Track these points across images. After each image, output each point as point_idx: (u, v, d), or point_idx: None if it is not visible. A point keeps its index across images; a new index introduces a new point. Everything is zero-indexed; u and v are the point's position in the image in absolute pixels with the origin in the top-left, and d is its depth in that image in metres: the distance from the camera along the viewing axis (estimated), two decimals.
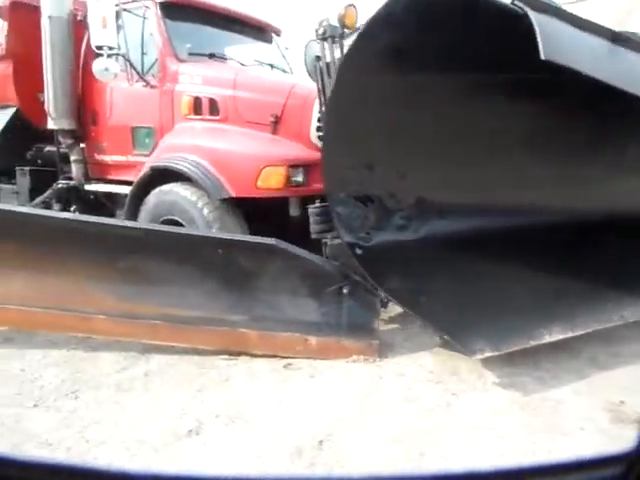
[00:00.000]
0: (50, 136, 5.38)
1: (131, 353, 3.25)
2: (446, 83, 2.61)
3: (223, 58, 4.63)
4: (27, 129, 5.45)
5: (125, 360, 3.17)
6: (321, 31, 3.25)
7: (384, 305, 3.20)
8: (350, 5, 3.16)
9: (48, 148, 5.37)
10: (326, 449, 2.19)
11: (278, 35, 5.57)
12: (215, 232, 3.47)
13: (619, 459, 1.01)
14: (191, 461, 2.15)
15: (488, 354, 2.51)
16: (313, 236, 3.40)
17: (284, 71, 5.34)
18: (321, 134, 3.74)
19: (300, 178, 3.71)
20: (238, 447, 2.24)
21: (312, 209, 3.37)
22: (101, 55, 4.19)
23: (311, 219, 3.39)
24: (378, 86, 2.56)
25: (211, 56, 4.52)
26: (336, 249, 3.13)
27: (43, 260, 3.29)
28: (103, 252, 3.23)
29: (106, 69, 3.95)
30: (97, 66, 3.97)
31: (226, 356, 3.17)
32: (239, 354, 3.18)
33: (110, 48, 3.94)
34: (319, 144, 3.77)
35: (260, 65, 5.04)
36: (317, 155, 3.76)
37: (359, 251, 2.82)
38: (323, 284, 3.06)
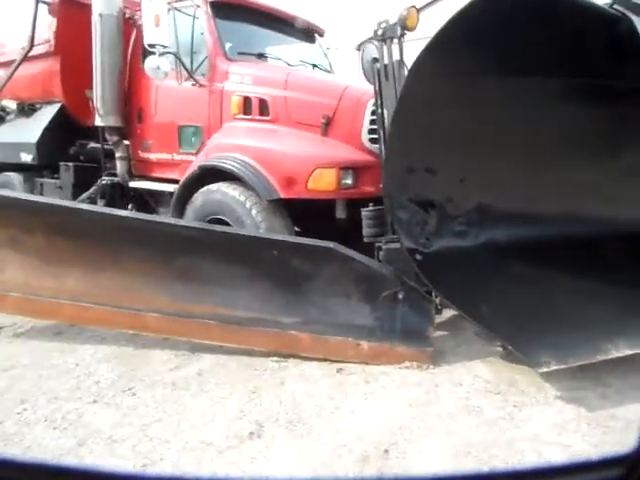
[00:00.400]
0: (93, 132, 5.45)
1: (181, 352, 3.27)
2: (512, 87, 2.56)
3: (271, 58, 4.62)
4: (71, 125, 5.54)
5: (176, 358, 3.19)
6: (380, 32, 3.22)
7: (438, 312, 3.15)
8: (412, 7, 3.12)
9: (91, 144, 5.44)
10: (393, 458, 2.16)
11: (321, 35, 5.55)
12: (272, 234, 3.45)
13: (620, 461, 1.00)
14: (255, 465, 2.14)
15: (554, 367, 2.45)
16: (366, 239, 3.37)
17: (327, 72, 5.32)
18: (373, 137, 3.73)
19: (350, 181, 3.69)
20: (302, 452, 2.22)
21: (365, 212, 3.35)
22: (153, 53, 4.25)
23: (364, 222, 3.36)
24: (445, 89, 2.52)
25: (259, 56, 4.52)
26: (391, 253, 3.10)
27: (98, 257, 3.34)
28: (159, 250, 3.26)
29: (158, 67, 3.97)
30: (149, 64, 3.99)
31: (276, 358, 3.16)
32: (289, 356, 3.17)
33: (163, 47, 3.96)
34: (370, 147, 3.75)
35: (304, 65, 5.03)
36: (367, 158, 3.76)
37: (419, 257, 2.78)
38: (378, 289, 3.03)
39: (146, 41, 3.96)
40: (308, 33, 5.32)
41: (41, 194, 5.60)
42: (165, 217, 3.90)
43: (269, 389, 2.79)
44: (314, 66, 5.18)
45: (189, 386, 2.83)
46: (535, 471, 1.19)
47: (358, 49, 3.97)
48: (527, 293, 2.69)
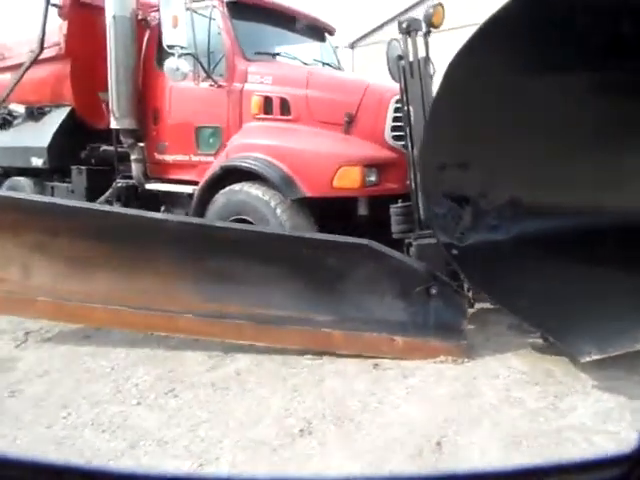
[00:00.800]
0: (104, 135, 5.44)
1: (214, 352, 3.28)
2: (547, 82, 2.59)
3: (287, 57, 4.63)
4: (81, 128, 5.52)
5: (211, 359, 3.20)
6: (405, 25, 3.24)
7: (471, 305, 3.19)
8: (438, 4, 3.15)
9: (104, 147, 5.42)
10: (446, 450, 2.19)
11: (332, 34, 5.56)
12: (306, 232, 3.46)
13: (620, 460, 1.01)
14: (312, 462, 2.17)
15: (596, 357, 2.50)
16: (395, 236, 3.41)
17: (338, 70, 5.34)
18: (396, 134, 3.76)
19: (374, 178, 3.72)
20: (355, 448, 2.25)
21: (394, 209, 3.38)
22: (168, 55, 4.24)
23: (393, 219, 3.40)
24: (481, 85, 2.55)
25: (275, 55, 4.53)
26: (423, 249, 3.14)
27: (129, 259, 3.33)
28: (191, 252, 3.26)
29: (177, 69, 3.97)
30: (169, 66, 3.99)
31: (310, 356, 3.19)
32: (322, 354, 3.20)
33: (181, 48, 3.96)
34: (394, 144, 3.78)
35: (317, 64, 5.04)
36: (391, 155, 3.80)
37: (455, 252, 2.82)
38: (411, 284, 3.06)
39: (165, 42, 3.96)
40: (319, 32, 5.34)
41: None
42: (197, 218, 3.89)
43: (309, 387, 2.82)
44: (326, 64, 5.20)
45: (230, 386, 2.84)
46: (535, 470, 1.21)
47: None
48: (563, 284, 2.73)
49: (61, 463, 2.00)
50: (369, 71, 6.35)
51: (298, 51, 4.94)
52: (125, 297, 3.31)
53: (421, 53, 3.32)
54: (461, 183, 2.88)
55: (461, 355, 3.07)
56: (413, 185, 3.32)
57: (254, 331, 3.23)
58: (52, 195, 5.64)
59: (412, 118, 3.29)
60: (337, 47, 5.71)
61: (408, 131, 3.35)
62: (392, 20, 17.79)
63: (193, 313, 3.26)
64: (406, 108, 3.34)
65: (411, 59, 3.26)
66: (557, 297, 2.71)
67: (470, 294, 3.09)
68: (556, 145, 2.74)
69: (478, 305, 3.59)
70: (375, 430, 2.37)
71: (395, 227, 3.37)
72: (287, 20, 4.81)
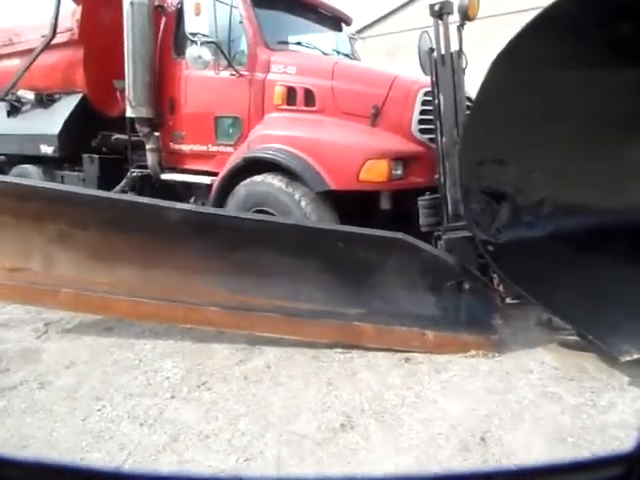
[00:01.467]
0: (116, 124, 5.35)
1: (241, 345, 3.26)
2: (589, 80, 2.57)
3: (308, 47, 4.57)
4: (93, 116, 5.42)
5: (239, 352, 3.18)
6: (437, 7, 3.19)
7: (502, 300, 3.18)
8: None
9: (116, 136, 5.33)
10: (492, 445, 2.19)
11: (348, 24, 5.50)
12: (337, 225, 3.43)
13: (620, 460, 1.03)
14: (357, 456, 2.16)
15: (637, 356, 2.51)
16: (423, 229, 3.39)
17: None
18: (423, 127, 3.73)
19: (400, 172, 3.68)
20: (399, 442, 2.24)
21: (422, 201, 3.36)
22: (188, 42, 4.17)
23: (421, 212, 3.38)
24: (523, 82, 2.53)
25: (297, 45, 4.46)
26: (453, 243, 3.13)
27: (154, 251, 3.28)
28: (218, 243, 3.22)
29: (199, 57, 3.90)
30: (190, 54, 3.92)
31: (340, 349, 3.17)
32: (352, 347, 3.19)
33: (204, 35, 3.89)
34: (420, 137, 3.75)
35: (335, 54, 4.99)
36: (417, 148, 3.77)
37: (491, 248, 2.80)
38: (443, 278, 3.05)
39: (187, 30, 3.89)
40: (337, 21, 5.27)
41: None
42: (225, 210, 3.84)
43: (343, 380, 2.80)
44: (343, 55, 5.14)
45: (262, 379, 2.82)
46: (535, 470, 1.22)
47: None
48: (599, 282, 2.73)
49: (61, 463, 1.97)
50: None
51: (316, 41, 4.87)
52: (149, 289, 3.27)
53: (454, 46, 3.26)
54: (499, 179, 2.86)
55: (492, 349, 3.07)
56: (442, 178, 3.29)
57: (283, 324, 3.20)
58: (62, 183, 5.54)
59: (442, 111, 3.25)
60: (355, 38, 5.62)
61: (439, 125, 3.32)
62: (395, 12, 17.70)
63: (219, 305, 3.23)
64: (437, 101, 3.30)
65: (442, 45, 3.20)
66: (594, 295, 2.71)
67: (501, 288, 3.08)
68: (594, 142, 2.72)
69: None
70: (417, 425, 2.36)
71: (423, 220, 3.35)
72: (307, 9, 4.74)
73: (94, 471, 1.66)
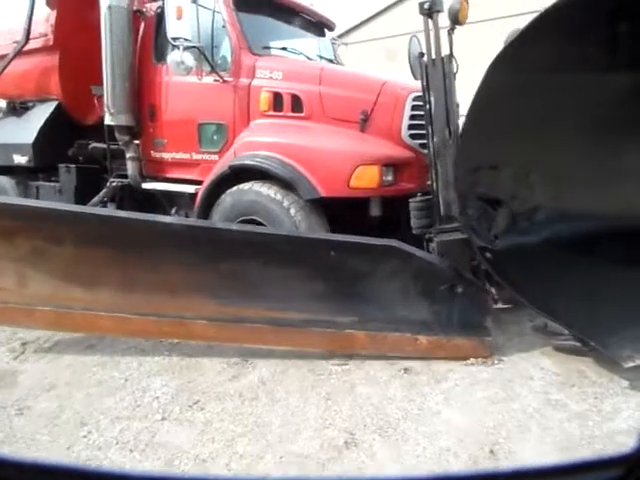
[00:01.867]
0: (93, 132, 5.17)
1: (232, 359, 3.13)
2: (585, 84, 2.55)
3: (293, 52, 4.49)
4: (68, 124, 5.22)
5: (230, 368, 3.05)
6: (426, 5, 3.15)
7: (494, 302, 3.14)
8: (464, 0, 3.09)
9: (93, 144, 5.14)
10: (502, 458, 2.12)
11: (332, 29, 5.46)
12: (329, 234, 3.35)
13: (619, 461, 1.02)
14: (365, 477, 2.06)
15: (639, 362, 2.48)
16: (415, 231, 3.34)
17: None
18: (413, 132, 3.69)
19: (391, 177, 3.63)
20: (406, 459, 2.16)
21: (414, 203, 3.31)
22: (168, 48, 4.05)
23: (412, 214, 3.33)
24: (518, 87, 2.50)
25: (282, 50, 4.38)
26: (445, 245, 3.08)
27: (137, 265, 3.16)
28: (205, 256, 3.11)
29: (182, 62, 3.77)
30: (173, 59, 3.79)
31: (336, 361, 3.08)
32: (348, 358, 3.10)
33: (186, 40, 3.77)
34: (410, 142, 3.70)
35: (320, 59, 4.92)
36: (408, 154, 3.72)
37: (489, 255, 2.76)
38: (436, 283, 3.00)
39: (169, 34, 3.76)
40: (320, 27, 5.22)
41: (37, 199, 5.25)
42: (209, 222, 3.72)
43: (342, 394, 2.70)
44: (327, 60, 5.08)
45: (258, 396, 2.70)
46: (535, 471, 1.20)
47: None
48: (597, 287, 2.70)
49: (61, 463, 1.92)
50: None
51: (300, 46, 4.80)
52: (132, 304, 3.13)
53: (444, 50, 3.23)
54: (494, 185, 2.82)
55: (486, 352, 3.03)
56: (434, 180, 3.24)
57: (275, 335, 3.10)
58: (37, 195, 5.33)
59: (433, 111, 3.20)
60: (338, 44, 5.58)
61: (430, 130, 3.27)
62: (375, 16, 17.82)
63: (208, 318, 3.11)
64: (428, 107, 3.25)
65: (433, 45, 3.15)
66: (593, 300, 2.68)
67: (493, 290, 3.04)
68: (590, 146, 2.71)
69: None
70: (422, 440, 2.28)
71: (415, 222, 3.29)
72: (290, 14, 4.67)
73: (92, 472, 1.57)
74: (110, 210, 3.93)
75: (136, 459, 2.18)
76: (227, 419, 2.49)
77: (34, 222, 3.13)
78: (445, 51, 3.26)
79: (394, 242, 2.96)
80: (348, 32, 16.37)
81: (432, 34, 3.16)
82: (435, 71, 3.19)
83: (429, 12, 3.13)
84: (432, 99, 3.21)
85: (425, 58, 3.26)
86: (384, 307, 3.10)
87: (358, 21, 17.84)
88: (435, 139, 3.23)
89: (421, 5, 3.15)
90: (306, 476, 2.09)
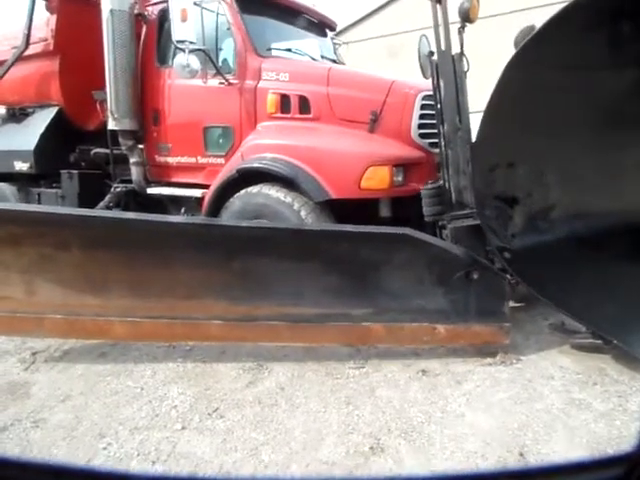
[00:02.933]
0: (95, 137, 5.13)
1: (247, 365, 3.10)
2: (601, 82, 2.54)
3: (297, 53, 4.46)
4: (69, 130, 5.17)
5: (246, 373, 3.01)
6: None
7: (513, 288, 3.11)
8: None
9: (96, 150, 5.09)
10: (532, 460, 2.10)
11: (333, 29, 5.42)
12: (340, 225, 3.28)
13: (620, 460, 1.03)
14: None
15: None
16: (427, 218, 3.32)
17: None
18: (423, 132, 3.67)
19: (401, 178, 3.61)
20: (434, 463, 2.12)
21: (425, 191, 3.30)
22: (171, 51, 4.02)
23: (424, 201, 3.32)
24: (535, 86, 2.48)
25: (287, 51, 4.35)
26: (458, 232, 3.07)
27: (146, 267, 3.08)
28: (216, 255, 3.04)
29: (187, 65, 3.73)
30: (178, 62, 3.75)
31: (353, 364, 3.06)
32: (365, 360, 3.08)
33: (191, 43, 3.73)
34: (420, 142, 3.68)
35: (324, 60, 4.89)
36: (418, 154, 3.70)
37: (507, 255, 2.74)
38: (451, 270, 2.95)
39: (174, 37, 3.72)
40: (321, 27, 5.19)
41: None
42: (218, 219, 3.67)
43: (362, 398, 2.67)
44: (330, 60, 5.05)
45: (278, 402, 2.66)
46: (535, 470, 1.20)
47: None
48: (617, 284, 2.69)
49: (61, 463, 1.92)
50: None
51: (303, 46, 4.77)
52: (144, 308, 3.07)
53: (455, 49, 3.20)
54: (511, 184, 2.80)
55: (505, 338, 3.01)
56: (445, 166, 3.22)
57: (289, 332, 3.06)
58: (39, 202, 5.26)
59: (443, 99, 3.18)
60: (339, 44, 5.55)
61: (441, 129, 3.25)
62: (374, 13, 17.78)
63: (221, 318, 3.06)
64: (439, 106, 3.23)
65: (442, 31, 3.12)
66: (613, 297, 2.66)
67: (509, 277, 3.01)
68: (607, 144, 2.69)
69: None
70: (449, 443, 2.25)
71: (427, 209, 3.28)
72: (293, 15, 4.64)
73: (93, 472, 1.54)
74: (117, 212, 3.87)
75: (159, 471, 2.14)
76: (248, 427, 2.45)
77: (40, 228, 3.07)
78: (455, 48, 3.24)
79: (407, 230, 2.91)
80: (347, 29, 16.35)
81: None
82: (444, 58, 3.16)
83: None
84: (442, 85, 3.18)
85: (435, 56, 3.23)
86: (399, 297, 3.04)
87: (357, 18, 17.82)
88: (445, 127, 3.21)
89: None
90: (306, 476, 2.08)
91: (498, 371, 2.90)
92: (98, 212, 3.54)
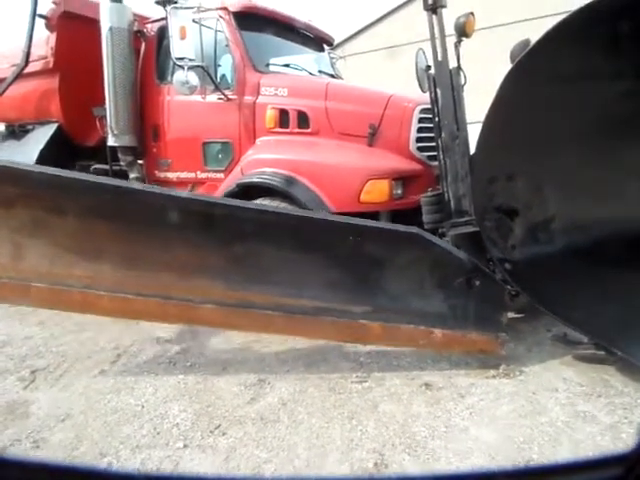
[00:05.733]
0: (94, 153, 5.15)
1: (249, 380, 3.07)
2: (599, 95, 2.56)
3: (295, 68, 4.50)
4: (69, 146, 5.19)
5: (248, 389, 2.99)
6: (430, 1, 3.16)
7: (511, 299, 3.11)
8: (470, 13, 3.11)
9: (95, 166, 5.10)
10: None
11: (330, 45, 5.48)
12: (349, 218, 3.23)
13: (619, 460, 1.03)
14: None
15: None
16: (427, 226, 3.32)
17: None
18: (421, 145, 3.69)
19: (400, 191, 3.62)
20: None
21: (425, 198, 3.31)
22: (169, 68, 4.06)
23: (424, 209, 3.33)
24: (533, 98, 2.51)
25: (285, 66, 4.39)
26: (459, 239, 3.08)
27: (143, 242, 2.93)
28: (215, 235, 2.94)
29: (187, 82, 3.77)
30: (177, 79, 3.79)
31: (355, 378, 3.03)
32: (368, 375, 3.06)
33: (190, 60, 3.77)
34: (419, 155, 3.70)
35: (322, 75, 4.94)
36: (417, 167, 3.72)
37: (508, 266, 2.74)
38: (454, 275, 2.93)
39: (173, 55, 3.76)
40: (319, 42, 5.25)
41: None
42: (224, 199, 3.52)
43: (366, 413, 2.65)
44: (330, 75, 5.10)
45: (280, 419, 2.64)
46: (535, 470, 1.20)
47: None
48: (620, 296, 2.68)
49: (61, 463, 1.91)
50: None
51: (301, 62, 4.81)
52: (136, 284, 2.93)
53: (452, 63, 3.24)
54: (511, 195, 2.82)
55: (499, 348, 2.99)
56: (443, 174, 3.24)
57: (285, 322, 2.98)
58: None
59: (441, 104, 3.21)
60: (336, 58, 5.60)
61: (439, 142, 3.27)
62: (362, 31, 18.02)
63: (216, 303, 2.96)
64: (437, 119, 3.25)
65: (437, 40, 3.15)
66: (616, 309, 2.66)
67: (509, 287, 3.01)
68: (606, 155, 2.71)
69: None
70: (454, 458, 2.23)
71: (427, 217, 3.29)
72: (291, 31, 4.70)
73: (94, 471, 1.52)
74: (119, 181, 3.47)
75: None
76: (251, 444, 2.42)
77: (38, 190, 2.85)
78: (452, 61, 3.28)
79: (417, 229, 2.89)
80: (343, 42, 16.54)
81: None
82: (441, 68, 3.20)
83: (433, 7, 3.15)
84: (439, 93, 3.21)
85: (432, 69, 3.27)
86: (400, 298, 3.00)
87: (353, 32, 18.05)
88: (443, 134, 3.23)
89: (425, 1, 3.17)
90: (306, 476, 2.08)
91: (501, 384, 2.88)
92: (103, 179, 3.16)
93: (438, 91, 3.25)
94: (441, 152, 3.27)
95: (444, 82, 3.22)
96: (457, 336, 2.98)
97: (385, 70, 12.83)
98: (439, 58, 3.21)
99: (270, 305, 2.95)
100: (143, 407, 2.84)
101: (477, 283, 2.93)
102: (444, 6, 3.17)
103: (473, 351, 3.05)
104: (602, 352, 2.86)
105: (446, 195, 3.25)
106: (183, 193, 3.09)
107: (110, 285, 2.92)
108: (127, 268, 2.95)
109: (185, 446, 2.44)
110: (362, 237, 2.89)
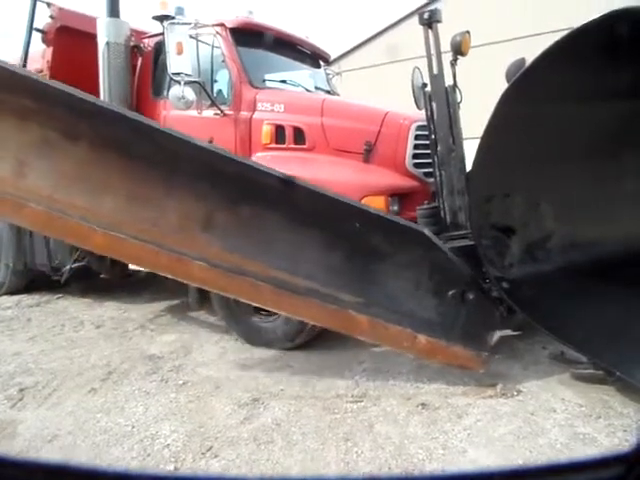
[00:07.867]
0: None
1: (242, 399, 3.02)
2: (599, 113, 2.58)
3: (292, 84, 4.51)
4: None
5: (241, 408, 2.93)
6: (426, 15, 3.18)
7: (503, 319, 3.08)
8: (466, 32, 3.13)
9: None
10: None
11: (327, 61, 5.51)
12: (364, 204, 3.15)
13: (619, 460, 1.02)
14: None
15: None
16: None
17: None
18: (417, 161, 3.69)
19: (397, 207, 3.61)
20: None
21: (421, 211, 3.30)
22: (165, 83, 4.06)
23: (419, 221, 3.32)
24: (530, 116, 2.52)
25: (281, 82, 4.40)
26: (455, 252, 3.04)
27: (150, 185, 2.86)
28: (224, 192, 2.86)
29: (183, 97, 3.76)
30: (174, 94, 3.78)
31: (350, 398, 2.99)
32: (362, 395, 3.00)
33: (187, 75, 3.77)
34: (415, 172, 3.70)
35: (318, 91, 4.96)
36: (413, 183, 3.71)
37: (505, 285, 2.72)
38: (450, 284, 2.90)
39: (170, 70, 3.76)
40: (315, 58, 5.28)
41: (32, 240, 5.14)
42: (240, 156, 3.40)
43: (361, 434, 2.60)
44: (326, 91, 5.12)
45: (274, 440, 2.58)
46: (535, 470, 1.20)
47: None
48: (616, 314, 2.66)
49: (60, 463, 1.88)
50: None
51: (298, 78, 4.84)
52: (135, 227, 2.86)
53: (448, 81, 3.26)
54: (508, 214, 2.81)
55: (478, 366, 2.96)
56: (439, 186, 3.23)
57: (274, 297, 2.94)
58: (31, 238, 5.19)
59: (436, 118, 3.22)
60: (333, 74, 5.63)
61: (435, 159, 3.27)
62: (358, 48, 18.25)
63: (209, 262, 2.90)
64: (433, 137, 3.26)
65: (433, 53, 3.17)
66: (614, 328, 2.64)
67: (503, 307, 2.98)
68: (601, 173, 2.72)
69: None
70: None
71: None
72: (288, 47, 4.72)
73: (93, 472, 1.48)
74: (140, 116, 3.27)
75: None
76: (244, 466, 2.36)
77: (57, 109, 2.76)
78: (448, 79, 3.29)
79: (425, 229, 2.87)
80: (340, 58, 16.73)
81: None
82: (436, 82, 3.21)
83: (429, 22, 3.17)
84: (435, 108, 3.22)
85: (428, 87, 3.28)
86: (393, 296, 2.96)
87: (350, 47, 18.28)
88: (439, 147, 3.23)
89: (421, 15, 3.20)
90: (306, 476, 2.05)
91: (499, 404, 2.84)
92: (120, 109, 3.11)
93: (434, 105, 3.27)
94: (437, 166, 3.27)
95: (439, 95, 3.24)
96: (441, 346, 2.94)
97: (382, 86, 12.95)
98: (434, 72, 3.23)
99: (262, 276, 2.89)
100: (133, 427, 2.78)
101: (471, 297, 2.91)
102: (439, 21, 3.20)
103: (453, 364, 3.01)
104: (601, 372, 2.82)
105: (442, 208, 3.24)
106: (201, 142, 2.94)
107: (108, 222, 2.84)
108: (129, 207, 2.87)
109: (176, 469, 2.38)
110: (370, 225, 2.84)
